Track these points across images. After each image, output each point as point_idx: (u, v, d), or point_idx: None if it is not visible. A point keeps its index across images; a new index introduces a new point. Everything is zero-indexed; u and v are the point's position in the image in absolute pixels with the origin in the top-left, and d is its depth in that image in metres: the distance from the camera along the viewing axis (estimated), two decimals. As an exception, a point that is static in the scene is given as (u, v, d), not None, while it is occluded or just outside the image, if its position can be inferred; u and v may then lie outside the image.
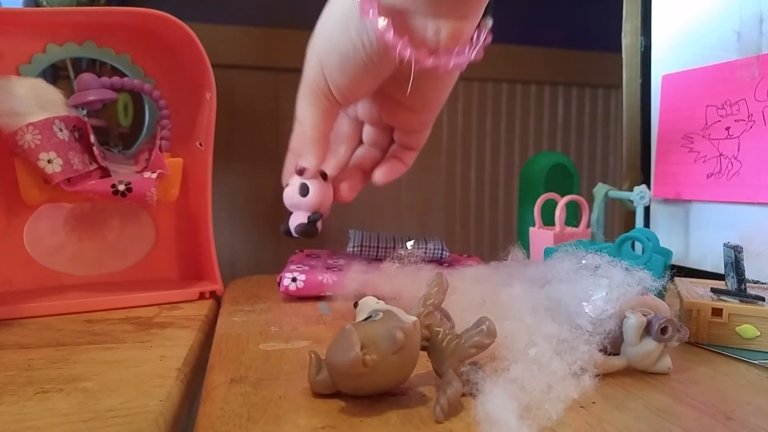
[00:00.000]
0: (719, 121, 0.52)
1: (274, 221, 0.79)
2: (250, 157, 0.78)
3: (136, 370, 0.32)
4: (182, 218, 0.55)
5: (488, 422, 0.23)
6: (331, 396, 0.27)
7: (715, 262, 0.53)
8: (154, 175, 0.46)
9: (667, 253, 0.42)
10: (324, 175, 0.46)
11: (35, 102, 0.43)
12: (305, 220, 0.46)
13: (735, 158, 0.50)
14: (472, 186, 0.88)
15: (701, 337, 0.36)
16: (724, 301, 0.36)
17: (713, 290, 0.39)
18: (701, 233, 0.55)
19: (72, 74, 0.60)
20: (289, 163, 0.47)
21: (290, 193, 0.46)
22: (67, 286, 0.50)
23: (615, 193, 0.59)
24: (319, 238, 0.48)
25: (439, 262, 0.55)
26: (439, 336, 0.28)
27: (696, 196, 0.54)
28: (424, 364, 0.29)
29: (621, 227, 0.68)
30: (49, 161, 0.42)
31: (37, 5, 0.59)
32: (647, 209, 0.60)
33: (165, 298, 0.49)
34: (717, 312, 0.36)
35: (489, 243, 0.89)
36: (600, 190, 0.60)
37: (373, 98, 0.46)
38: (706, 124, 0.53)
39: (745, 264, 0.37)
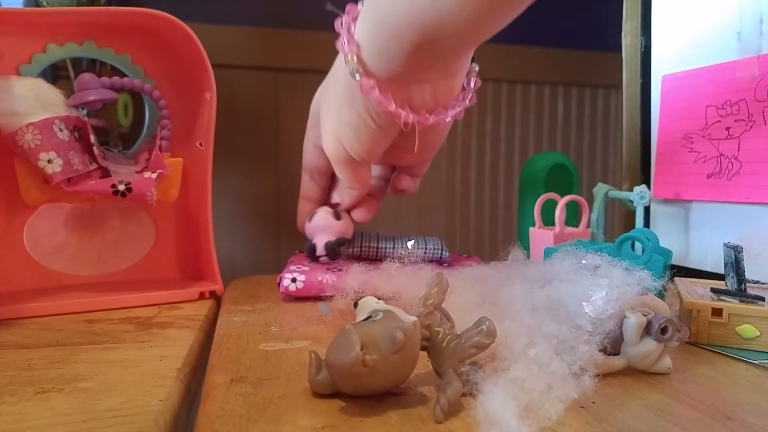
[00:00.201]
0: (719, 121, 0.52)
1: (274, 221, 0.79)
2: (250, 157, 0.78)
3: (136, 370, 0.32)
4: (182, 218, 0.55)
5: (488, 422, 0.23)
6: (331, 396, 0.27)
7: (715, 262, 0.53)
8: (154, 175, 0.46)
9: (667, 253, 0.42)
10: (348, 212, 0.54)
11: (35, 102, 0.43)
12: (332, 239, 0.51)
13: (735, 158, 0.50)
14: (472, 186, 0.88)
15: (701, 337, 0.36)
16: (724, 301, 0.36)
17: (713, 290, 0.39)
18: (701, 233, 0.55)
19: (72, 74, 0.60)
20: (302, 210, 0.55)
21: (322, 216, 0.53)
22: (67, 286, 0.50)
23: (615, 193, 0.59)
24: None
25: (439, 262, 0.55)
26: (439, 336, 0.28)
27: (696, 196, 0.54)
28: (424, 364, 0.29)
29: (621, 227, 0.68)
30: (49, 161, 0.42)
31: (37, 5, 0.59)
32: (647, 209, 0.60)
33: (165, 298, 0.49)
34: (717, 312, 0.36)
35: (489, 243, 0.89)
36: (600, 190, 0.60)
37: None
38: (706, 124, 0.53)
39: (745, 264, 0.37)
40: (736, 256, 0.37)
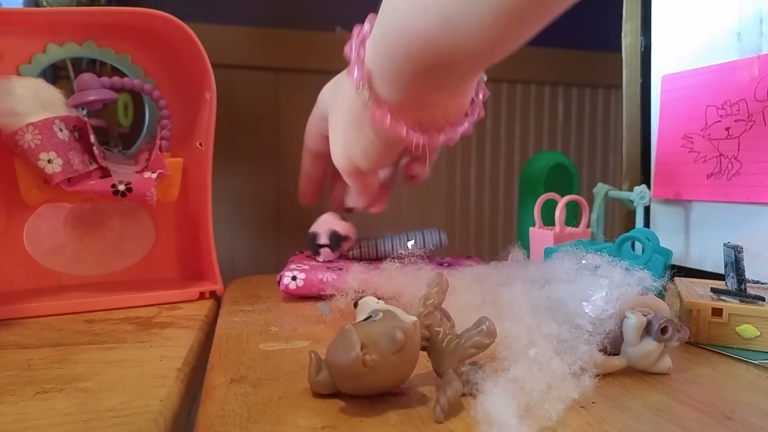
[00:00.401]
0: (719, 121, 0.52)
1: (274, 221, 0.79)
2: (250, 157, 0.78)
3: (136, 370, 0.32)
4: (182, 218, 0.55)
5: (488, 422, 0.23)
6: (331, 396, 0.27)
7: (715, 262, 0.53)
8: (154, 175, 0.46)
9: (667, 253, 0.42)
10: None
11: (35, 102, 0.43)
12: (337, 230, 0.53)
13: (735, 158, 0.50)
14: (472, 186, 0.88)
15: (701, 337, 0.36)
16: (724, 301, 0.36)
17: (713, 290, 0.39)
18: (701, 233, 0.55)
19: (72, 74, 0.60)
20: (304, 186, 0.57)
21: (327, 216, 0.54)
22: (67, 286, 0.50)
23: (615, 193, 0.59)
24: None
25: (439, 262, 0.55)
26: (439, 336, 0.28)
27: (696, 196, 0.54)
28: (424, 364, 0.29)
29: (621, 227, 0.68)
30: (49, 161, 0.42)
31: (37, 5, 0.59)
32: (647, 209, 0.60)
33: (165, 298, 0.49)
34: (717, 312, 0.36)
35: (489, 243, 0.89)
36: (600, 190, 0.60)
37: None
38: (706, 124, 0.53)
39: (745, 264, 0.37)
40: (736, 256, 0.37)
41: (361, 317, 0.28)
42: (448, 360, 0.27)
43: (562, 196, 0.54)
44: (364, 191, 0.48)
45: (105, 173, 0.47)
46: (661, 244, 0.42)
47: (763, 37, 0.49)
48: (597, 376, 0.28)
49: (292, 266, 0.50)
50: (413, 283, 0.42)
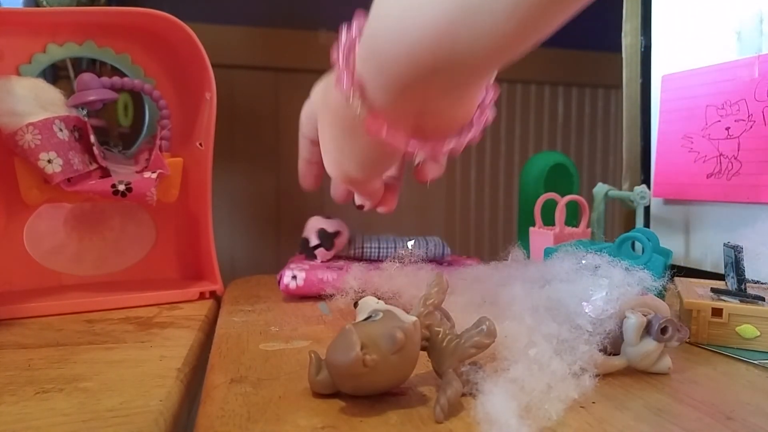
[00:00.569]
0: (719, 121, 0.52)
1: (274, 221, 0.79)
2: (250, 157, 0.78)
3: (136, 370, 0.32)
4: (182, 218, 0.55)
5: (488, 422, 0.23)
6: (331, 396, 0.27)
7: (715, 262, 0.53)
8: (154, 175, 0.46)
9: (667, 253, 0.42)
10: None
11: (35, 102, 0.43)
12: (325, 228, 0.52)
13: (735, 158, 0.50)
14: (472, 186, 0.88)
15: (701, 337, 0.36)
16: (724, 301, 0.36)
17: (713, 290, 0.39)
18: (701, 233, 0.55)
19: (72, 74, 0.60)
20: (303, 169, 0.48)
21: (313, 219, 0.53)
22: (67, 286, 0.50)
23: (615, 193, 0.59)
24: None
25: (439, 261, 0.55)
26: (439, 336, 0.28)
27: (696, 196, 0.54)
28: (424, 364, 0.29)
29: (621, 227, 0.68)
30: (49, 161, 0.42)
31: (37, 5, 0.59)
32: (647, 209, 0.60)
33: (165, 298, 0.49)
34: (717, 312, 0.36)
35: (489, 243, 0.89)
36: (600, 190, 0.60)
37: None
38: (706, 124, 0.53)
39: (745, 264, 0.37)
40: (736, 256, 0.37)
41: (361, 317, 0.28)
42: (448, 360, 0.27)
43: (562, 196, 0.54)
44: (367, 196, 0.44)
45: (105, 173, 0.47)
46: (661, 244, 0.42)
47: (763, 37, 0.49)
48: (597, 376, 0.28)
49: (292, 266, 0.50)
50: (413, 283, 0.42)
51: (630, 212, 0.61)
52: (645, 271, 0.32)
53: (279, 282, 0.48)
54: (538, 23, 0.25)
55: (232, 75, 0.75)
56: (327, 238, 0.51)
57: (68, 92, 0.47)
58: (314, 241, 0.51)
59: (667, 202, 0.58)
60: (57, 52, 0.49)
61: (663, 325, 0.29)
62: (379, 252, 0.54)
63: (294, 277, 0.48)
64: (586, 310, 0.30)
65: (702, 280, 0.43)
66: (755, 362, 0.33)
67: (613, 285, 0.31)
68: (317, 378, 0.27)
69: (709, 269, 0.53)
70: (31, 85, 0.44)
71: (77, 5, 0.61)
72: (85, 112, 0.48)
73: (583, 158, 0.93)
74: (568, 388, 0.26)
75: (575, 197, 0.53)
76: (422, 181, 0.44)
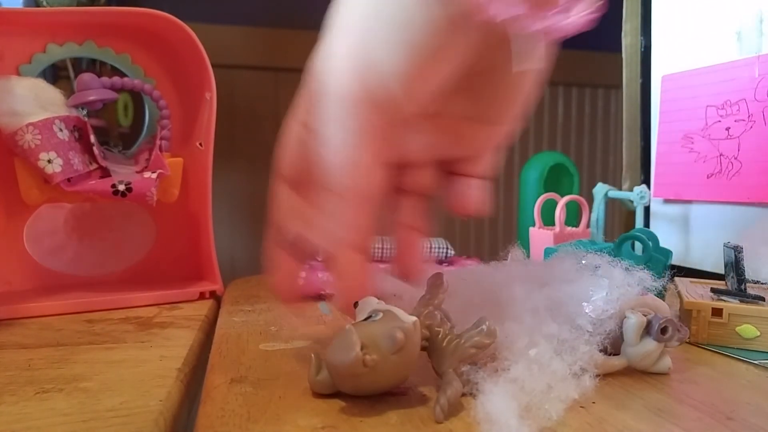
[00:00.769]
0: (719, 121, 0.52)
1: (274, 221, 0.79)
2: (250, 157, 0.78)
3: (136, 370, 0.32)
4: (182, 218, 0.55)
5: (489, 422, 0.23)
6: (331, 396, 0.27)
7: (715, 262, 0.53)
8: (154, 175, 0.46)
9: (667, 253, 0.42)
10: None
11: (35, 102, 0.43)
12: None
13: (735, 158, 0.50)
14: (472, 186, 0.88)
15: (701, 337, 0.36)
16: (724, 301, 0.36)
17: (713, 290, 0.39)
18: (701, 233, 0.55)
19: (72, 74, 0.60)
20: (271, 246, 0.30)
21: None
22: (67, 286, 0.50)
23: (615, 193, 0.59)
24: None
25: (439, 262, 0.55)
26: (439, 336, 0.28)
27: (696, 196, 0.54)
28: (424, 364, 0.29)
29: (621, 227, 0.68)
30: (49, 161, 0.42)
31: (37, 5, 0.60)
32: (647, 209, 0.60)
33: (165, 298, 0.49)
34: (717, 312, 0.36)
35: (489, 243, 0.89)
36: (600, 190, 0.60)
37: (421, 122, 0.27)
38: (706, 124, 0.53)
39: (745, 264, 0.37)
40: (736, 256, 0.37)
41: (361, 317, 0.28)
42: (448, 360, 0.27)
43: (562, 196, 0.54)
44: (366, 180, 0.25)
45: (105, 173, 0.47)
46: (661, 244, 0.42)
47: (763, 37, 0.49)
48: (597, 376, 0.28)
49: (292, 266, 0.50)
50: (413, 283, 0.42)
51: (630, 212, 0.61)
52: (645, 271, 0.32)
53: (279, 282, 0.48)
54: None
55: (232, 75, 0.75)
56: None
57: (68, 92, 0.47)
58: None
59: (667, 202, 0.58)
60: (57, 52, 0.49)
61: (663, 325, 0.29)
62: (381, 252, 0.54)
63: (294, 277, 0.48)
64: (587, 311, 0.30)
65: (702, 280, 0.43)
66: (755, 362, 0.33)
67: (613, 285, 0.31)
68: (317, 378, 0.27)
69: (709, 269, 0.53)
70: (31, 85, 0.44)
71: (77, 5, 0.61)
72: (85, 112, 0.48)
73: (583, 158, 0.93)
74: (569, 388, 0.26)
75: (575, 197, 0.53)
76: (464, 212, 0.30)
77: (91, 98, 0.46)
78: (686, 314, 0.37)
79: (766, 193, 0.48)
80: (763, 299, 0.36)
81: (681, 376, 0.31)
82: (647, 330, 0.30)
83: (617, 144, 0.93)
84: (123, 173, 0.47)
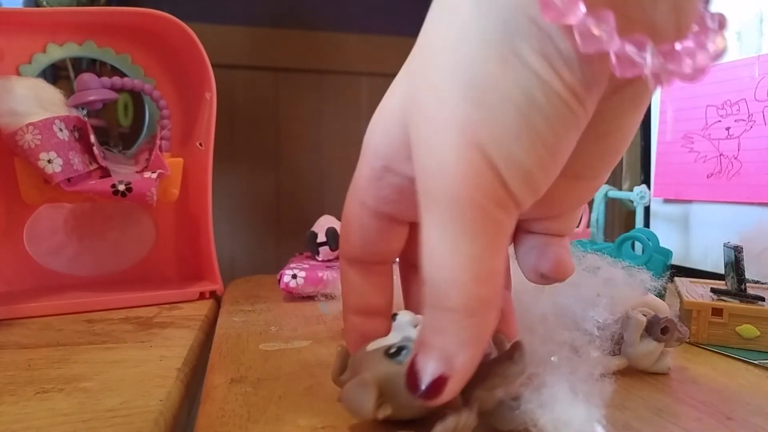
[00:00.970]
0: (719, 121, 0.52)
1: (274, 221, 0.79)
2: (250, 157, 0.78)
3: (136, 370, 0.32)
4: (182, 218, 0.55)
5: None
6: (331, 396, 0.27)
7: (715, 262, 0.53)
8: (154, 175, 0.46)
9: (667, 253, 0.42)
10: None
11: (35, 102, 0.43)
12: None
13: (735, 158, 0.50)
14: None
15: (701, 337, 0.36)
16: (724, 301, 0.36)
17: (713, 290, 0.39)
18: (701, 233, 0.55)
19: (72, 74, 0.60)
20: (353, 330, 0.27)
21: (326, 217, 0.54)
22: (67, 286, 0.50)
23: (615, 193, 0.59)
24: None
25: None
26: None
27: (696, 196, 0.54)
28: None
29: (621, 227, 0.68)
30: (49, 161, 0.42)
31: (37, 5, 0.60)
32: (647, 209, 0.60)
33: (165, 298, 0.49)
34: (717, 312, 0.36)
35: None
36: (600, 190, 0.60)
37: None
38: (706, 124, 0.53)
39: (745, 264, 0.37)
40: (736, 256, 0.37)
41: (390, 340, 0.24)
42: (475, 387, 0.22)
43: (562, 196, 0.54)
44: (485, 286, 0.20)
45: (105, 173, 0.47)
46: (661, 244, 0.42)
47: (763, 37, 0.49)
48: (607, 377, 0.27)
49: (293, 265, 0.50)
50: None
51: (630, 212, 0.61)
52: (645, 271, 0.32)
53: (279, 281, 0.48)
54: None
55: (232, 75, 0.75)
56: (334, 239, 0.51)
57: (68, 92, 0.47)
58: (322, 237, 0.52)
59: (667, 202, 0.58)
60: (57, 52, 0.49)
61: (663, 325, 0.29)
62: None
63: (294, 276, 0.48)
64: (592, 314, 0.30)
65: (702, 280, 0.43)
66: (755, 362, 0.33)
67: (614, 287, 0.31)
68: (341, 378, 0.25)
69: (709, 269, 0.53)
70: (31, 85, 0.44)
71: (77, 5, 0.61)
72: (85, 112, 0.48)
73: (583, 158, 0.93)
74: (594, 393, 0.25)
75: (575, 197, 0.53)
76: (553, 276, 0.26)
77: (91, 98, 0.46)
78: (686, 314, 0.37)
79: (766, 193, 0.48)
80: (763, 299, 0.36)
81: (681, 376, 0.31)
82: (647, 330, 0.30)
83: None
84: (123, 173, 0.47)
